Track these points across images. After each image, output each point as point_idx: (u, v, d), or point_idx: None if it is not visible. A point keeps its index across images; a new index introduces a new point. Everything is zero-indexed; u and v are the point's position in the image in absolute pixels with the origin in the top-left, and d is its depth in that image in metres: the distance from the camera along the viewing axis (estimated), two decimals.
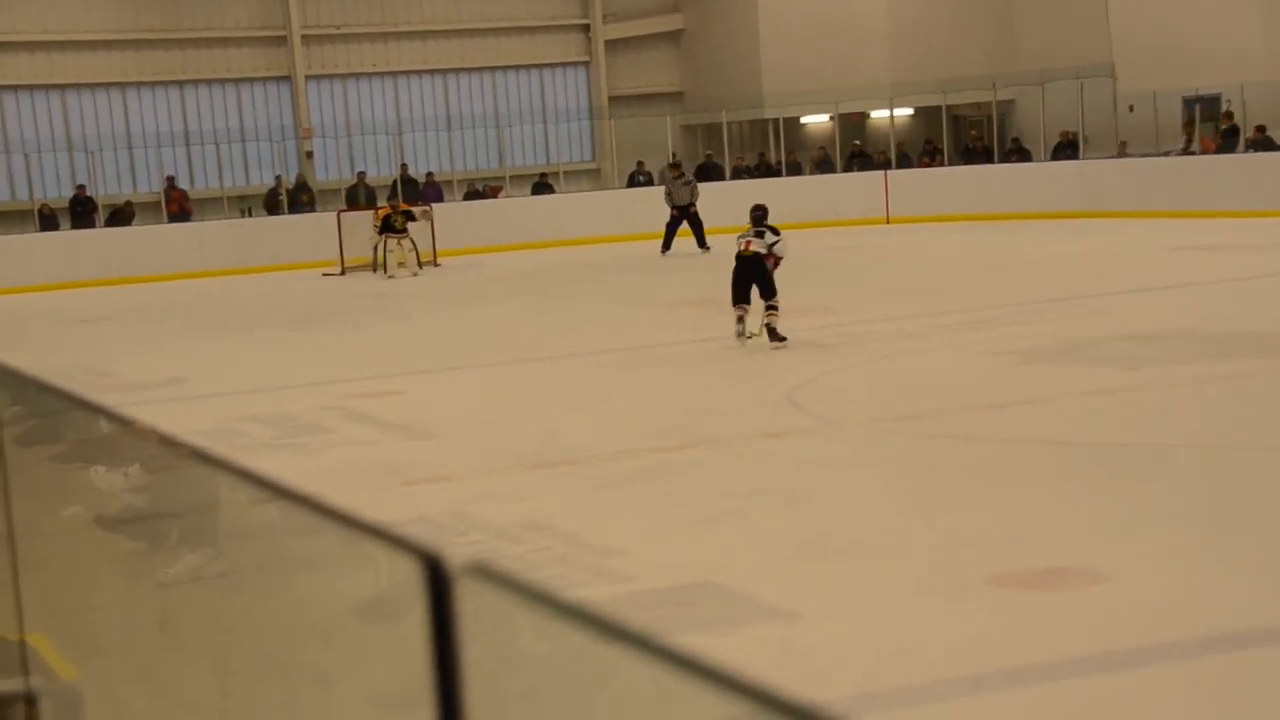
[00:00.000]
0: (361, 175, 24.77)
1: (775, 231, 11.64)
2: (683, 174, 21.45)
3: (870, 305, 13.31)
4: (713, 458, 7.67)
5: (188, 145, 25.62)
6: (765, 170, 25.89)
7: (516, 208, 24.28)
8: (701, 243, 20.71)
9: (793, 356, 10.86)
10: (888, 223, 23.60)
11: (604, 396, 9.65)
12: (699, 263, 19.81)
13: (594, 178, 28.06)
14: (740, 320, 11.32)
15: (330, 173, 26.10)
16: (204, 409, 9.97)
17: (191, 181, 25.09)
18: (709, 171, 25.56)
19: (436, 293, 17.74)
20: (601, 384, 10.19)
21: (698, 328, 12.40)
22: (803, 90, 26.18)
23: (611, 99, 28.61)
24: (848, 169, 25.26)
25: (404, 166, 25.02)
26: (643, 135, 26.49)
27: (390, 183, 24.62)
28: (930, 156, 25.57)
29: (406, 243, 19.91)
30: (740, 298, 11.38)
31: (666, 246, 20.88)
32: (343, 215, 21.43)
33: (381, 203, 21.79)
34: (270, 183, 24.73)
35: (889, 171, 24.43)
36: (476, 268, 20.67)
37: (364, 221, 21.11)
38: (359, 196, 24.22)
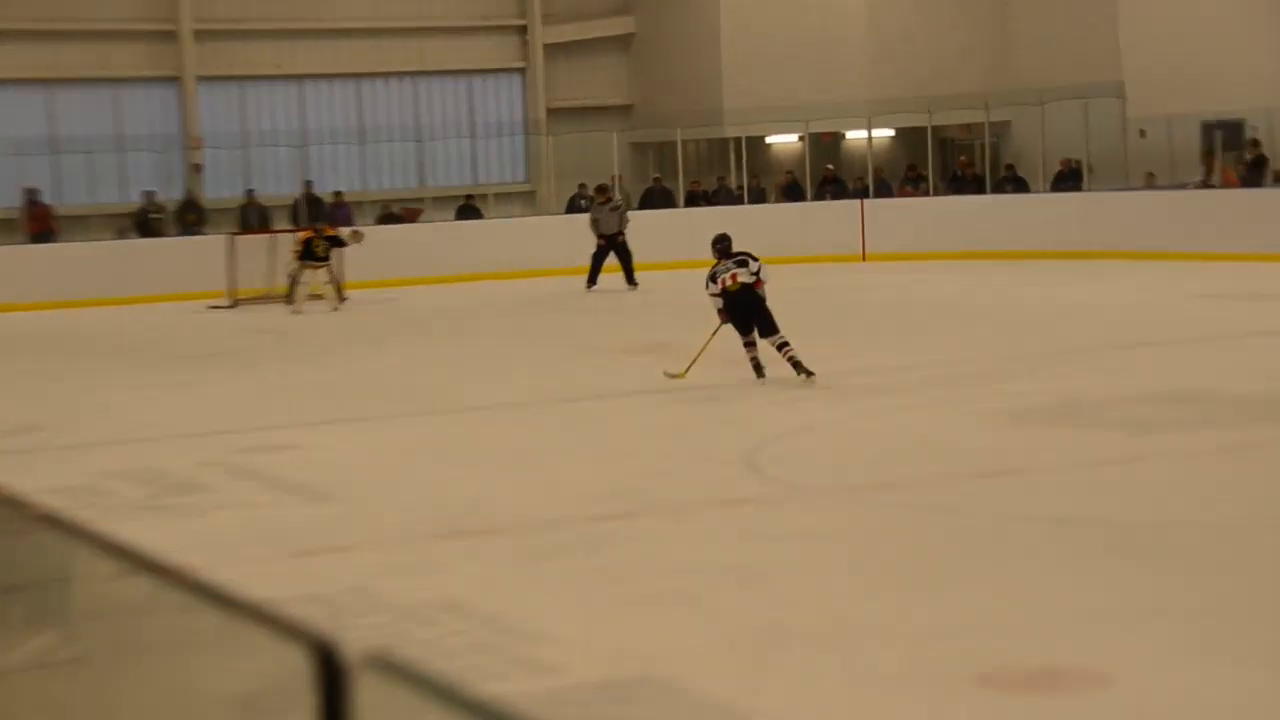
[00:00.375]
0: (251, 194, 24.72)
1: (753, 257, 12.17)
2: (610, 198, 21.67)
3: (843, 355, 13.39)
4: (659, 528, 7.67)
5: (54, 154, 25.43)
6: (725, 196, 26.09)
7: (438, 234, 24.31)
8: (630, 278, 20.96)
9: (753, 413, 10.91)
10: (864, 259, 23.81)
11: (535, 456, 9.64)
12: (635, 301, 19.92)
13: (528, 201, 28.13)
14: (790, 358, 11.81)
15: (222, 189, 26.01)
16: (61, 463, 9.87)
17: (58, 196, 24.90)
18: (657, 197, 25.74)
19: (342, 331, 17.67)
20: (532, 441, 10.19)
21: (644, 377, 12.43)
22: (769, 106, 26.44)
23: (550, 111, 28.74)
24: (819, 197, 25.51)
25: (308, 184, 24.99)
26: (585, 154, 26.63)
27: (291, 202, 24.58)
28: (913, 184, 25.89)
29: (323, 273, 19.86)
30: (747, 330, 11.98)
31: (592, 281, 21.09)
32: (235, 239, 21.37)
33: (281, 224, 21.75)
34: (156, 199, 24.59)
35: (866, 201, 24.71)
36: (389, 302, 20.62)
37: (255, 246, 21.04)
38: (251, 218, 24.16)
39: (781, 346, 11.87)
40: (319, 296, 19.81)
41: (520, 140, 28.77)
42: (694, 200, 25.68)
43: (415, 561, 7.16)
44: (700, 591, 6.49)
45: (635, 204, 25.86)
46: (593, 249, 21.22)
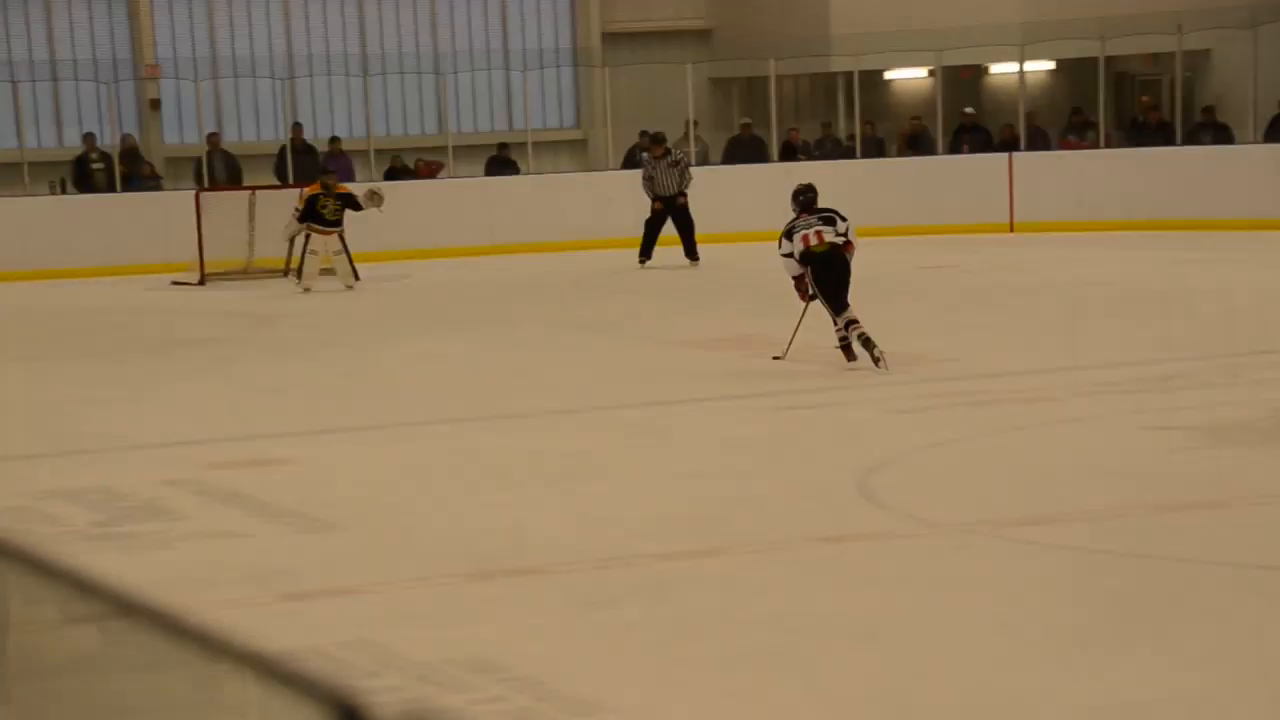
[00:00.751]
0: (214, 138, 24.86)
1: (841, 216, 12.73)
2: (667, 151, 21.75)
3: (982, 353, 13.37)
4: (745, 570, 7.70)
5: None
6: (831, 148, 26.07)
7: (463, 194, 24.45)
8: (691, 251, 21.11)
9: (867, 423, 10.96)
10: (1011, 230, 23.73)
11: (586, 476, 9.71)
12: (703, 280, 19.98)
13: (577, 153, 28.20)
14: (860, 335, 12.34)
15: (187, 132, 26.24)
16: None
17: None
18: (745, 149, 25.76)
19: (343, 317, 17.83)
20: (582, 458, 10.26)
21: (726, 377, 12.44)
22: (889, 32, 26.33)
23: (607, 37, 28.82)
24: (954, 150, 25.47)
25: (297, 128, 25.21)
26: (651, 92, 26.62)
27: (276, 151, 24.74)
28: (1078, 134, 25.76)
29: (333, 240, 20.00)
30: (841, 304, 12.46)
31: (646, 254, 21.19)
32: (204, 196, 21.58)
33: (279, 179, 21.90)
34: (99, 144, 24.82)
35: (1016, 155, 24.61)
36: (401, 280, 20.74)
37: (232, 205, 21.25)
38: (216, 169, 24.33)
39: (851, 324, 12.45)
40: (329, 271, 19.98)
41: (568, 74, 28.84)
42: (790, 153, 25.70)
43: (436, 609, 7.22)
44: (797, 652, 6.52)
45: (718, 157, 25.88)
46: (646, 214, 21.31)
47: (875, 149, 26.08)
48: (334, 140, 25.31)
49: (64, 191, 24.44)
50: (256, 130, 26.26)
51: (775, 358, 12.92)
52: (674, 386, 12.51)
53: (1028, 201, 23.91)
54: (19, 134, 24.73)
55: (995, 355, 13.40)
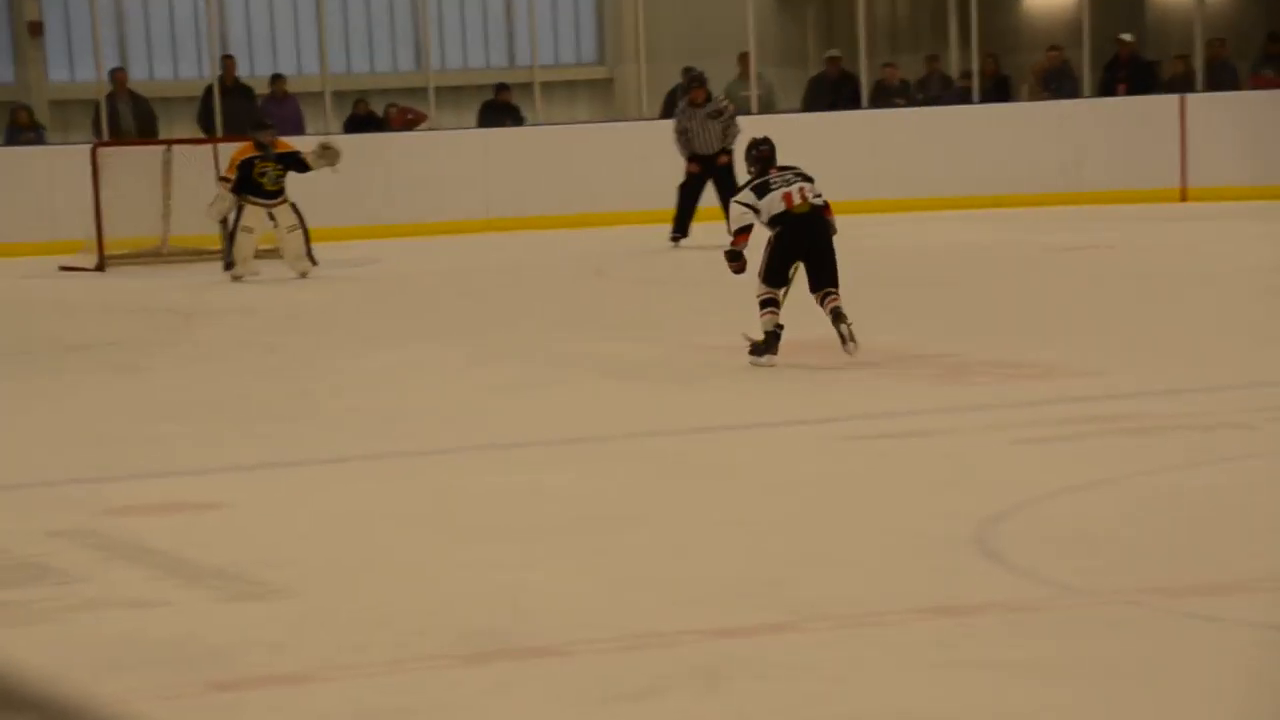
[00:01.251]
0: (119, 75, 24.89)
1: (808, 176, 13.93)
2: (708, 96, 21.79)
3: (1139, 363, 13.39)
4: (822, 653, 7.68)
5: None
6: (940, 89, 26.02)
7: (450, 151, 24.50)
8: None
9: (983, 458, 10.99)
10: (1183, 200, 23.69)
11: (613, 524, 9.72)
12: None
13: (600, 96, 28.24)
14: (774, 316, 13.49)
15: (78, 68, 26.34)
16: None
17: None
18: (830, 89, 25.68)
19: (288, 313, 17.87)
20: (609, 500, 10.30)
21: (793, 395, 12.48)
22: None
23: None
24: (1107, 91, 25.44)
25: (228, 62, 25.26)
26: (700, 15, 26.60)
27: (201, 93, 24.79)
28: (1276, 68, 25.67)
29: (284, 214, 20.02)
30: (825, 280, 13.59)
31: (681, 229, 21.26)
32: (103, 153, 21.62)
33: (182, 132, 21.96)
34: None
35: (1190, 97, 24.55)
36: (368, 266, 20.77)
37: (141, 165, 21.28)
38: (122, 116, 24.37)
39: (831, 298, 13.63)
40: (271, 252, 20.02)
41: None
42: (884, 96, 25.69)
43: (415, 701, 7.20)
44: None
45: (793, 102, 25.83)
46: (681, 177, 21.38)
47: (999, 90, 26.01)
48: (276, 79, 25.43)
49: None
50: (174, 66, 26.34)
51: (747, 337, 13.74)
52: (723, 406, 12.58)
53: (1205, 160, 23.87)
54: None
55: (1157, 367, 13.43)
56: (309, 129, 24.01)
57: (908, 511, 9.83)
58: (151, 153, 21.95)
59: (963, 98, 25.51)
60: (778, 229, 13.53)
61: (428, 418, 12.76)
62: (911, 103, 25.45)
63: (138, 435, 12.34)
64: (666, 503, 10.20)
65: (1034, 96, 25.72)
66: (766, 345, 13.57)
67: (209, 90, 24.70)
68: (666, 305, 17.86)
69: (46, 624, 8.27)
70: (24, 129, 24.58)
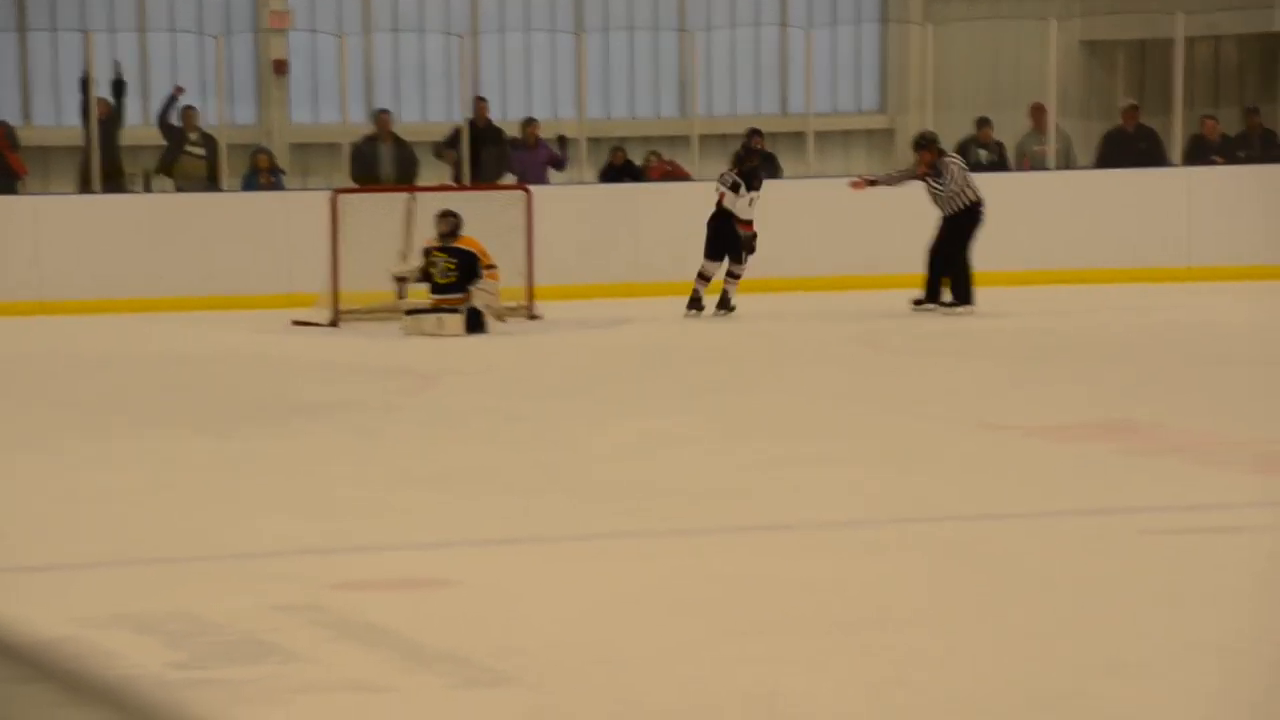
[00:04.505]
0: (383, 116, 25.10)
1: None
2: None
3: None
4: None
5: (22, 37, 26.08)
6: (1263, 148, 25.59)
7: (706, 202, 24.39)
8: (962, 294, 21.26)
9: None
10: None
11: (889, 621, 9.37)
12: (1054, 335, 20.07)
13: (879, 147, 28.19)
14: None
15: (322, 109, 26.62)
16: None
17: (26, 116, 25.60)
18: (1126, 146, 25.34)
19: (535, 373, 17.89)
20: (883, 591, 10.00)
21: (1090, 479, 12.26)
22: None
23: None
24: None
25: (479, 104, 25.42)
26: (996, 61, 26.50)
27: (448, 135, 24.97)
28: None
29: (454, 324, 20.25)
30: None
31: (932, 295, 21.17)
32: (342, 199, 21.77)
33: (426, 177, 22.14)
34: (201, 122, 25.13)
35: None
36: (621, 326, 20.80)
37: (380, 213, 21.41)
38: (382, 162, 24.53)
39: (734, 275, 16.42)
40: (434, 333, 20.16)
41: (872, 32, 28.84)
42: (1200, 152, 25.32)
43: None
44: None
45: (1090, 157, 25.57)
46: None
47: None
48: (529, 123, 25.54)
49: (148, 189, 24.78)
50: (422, 107, 26.53)
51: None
52: (1008, 492, 12.35)
53: None
54: (85, 106, 24.85)
55: None
56: (556, 178, 24.14)
57: (1216, 621, 9.37)
58: (392, 201, 22.01)
59: None
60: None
61: (679, 490, 12.59)
62: (1229, 160, 25.04)
63: (365, 504, 12.26)
64: (948, 598, 9.86)
65: None
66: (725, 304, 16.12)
67: (457, 131, 24.83)
68: (947, 377, 17.75)
69: (266, 705, 8.15)
70: (263, 172, 24.60)
